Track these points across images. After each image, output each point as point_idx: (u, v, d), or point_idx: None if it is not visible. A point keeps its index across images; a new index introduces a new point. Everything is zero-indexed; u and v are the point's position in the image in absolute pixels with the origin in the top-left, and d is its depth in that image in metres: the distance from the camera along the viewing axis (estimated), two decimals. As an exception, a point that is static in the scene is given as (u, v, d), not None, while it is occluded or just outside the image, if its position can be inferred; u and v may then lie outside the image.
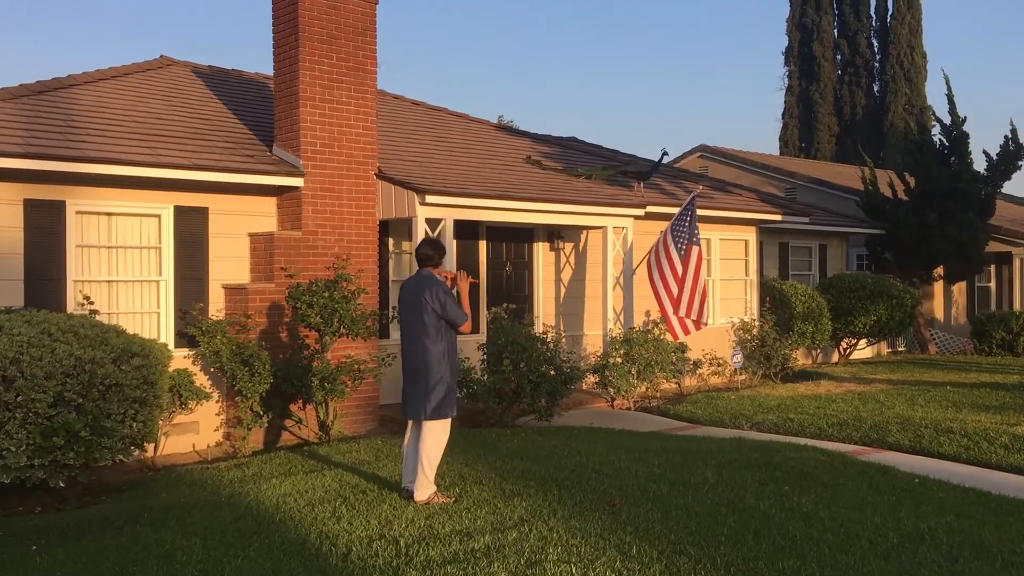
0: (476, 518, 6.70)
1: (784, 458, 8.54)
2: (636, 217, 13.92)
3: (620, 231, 13.85)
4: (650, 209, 14.13)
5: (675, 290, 13.14)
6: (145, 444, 8.56)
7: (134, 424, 7.84)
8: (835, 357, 20.05)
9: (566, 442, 9.62)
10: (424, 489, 7.20)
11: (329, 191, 11.39)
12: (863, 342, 20.14)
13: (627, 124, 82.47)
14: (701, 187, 15.15)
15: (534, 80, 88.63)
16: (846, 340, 19.79)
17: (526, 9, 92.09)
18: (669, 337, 14.21)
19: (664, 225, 13.95)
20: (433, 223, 11.65)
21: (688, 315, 13.27)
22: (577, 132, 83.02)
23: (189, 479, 8.45)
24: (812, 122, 44.69)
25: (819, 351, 19.84)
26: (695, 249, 13.12)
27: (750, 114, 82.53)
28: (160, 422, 9.89)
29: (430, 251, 7.31)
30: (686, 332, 13.58)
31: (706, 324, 13.65)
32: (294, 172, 11.10)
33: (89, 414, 7.41)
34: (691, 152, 27.54)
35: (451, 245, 11.87)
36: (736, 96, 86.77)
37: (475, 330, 13.14)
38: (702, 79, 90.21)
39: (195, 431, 10.78)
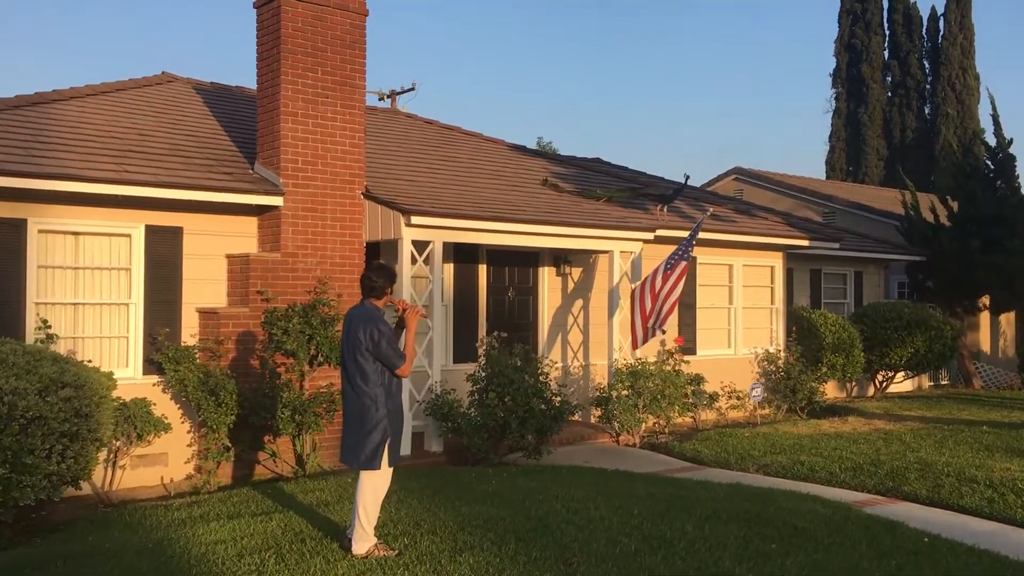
0: (412, 577, 5.99)
1: (779, 510, 7.69)
2: (646, 241, 13.15)
3: (628, 255, 13.08)
4: (661, 233, 13.35)
5: (648, 304, 12.26)
6: (80, 481, 7.96)
7: (63, 461, 7.24)
8: (871, 391, 18.96)
9: (547, 484, 8.86)
10: (362, 542, 6.50)
11: (311, 211, 10.81)
12: (901, 375, 19.00)
13: (667, 147, 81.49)
14: (712, 209, 14.32)
15: (575, 103, 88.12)
16: (882, 373, 18.69)
17: (566, 30, 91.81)
18: (684, 369, 13.39)
19: (676, 250, 13.13)
20: (421, 245, 11.00)
21: (656, 324, 12.32)
22: (616, 155, 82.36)
23: (126, 520, 7.83)
24: (860, 145, 43.44)
25: (854, 384, 18.77)
26: (682, 264, 12.20)
27: (794, 137, 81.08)
28: (116, 455, 9.39)
29: (375, 279, 6.61)
30: (646, 339, 12.59)
31: (664, 332, 12.61)
32: (273, 191, 10.53)
33: (8, 449, 6.84)
34: (726, 175, 26.63)
35: (440, 269, 11.21)
36: (780, 119, 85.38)
37: (472, 359, 12.44)
38: (745, 101, 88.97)
39: (164, 463, 10.20)
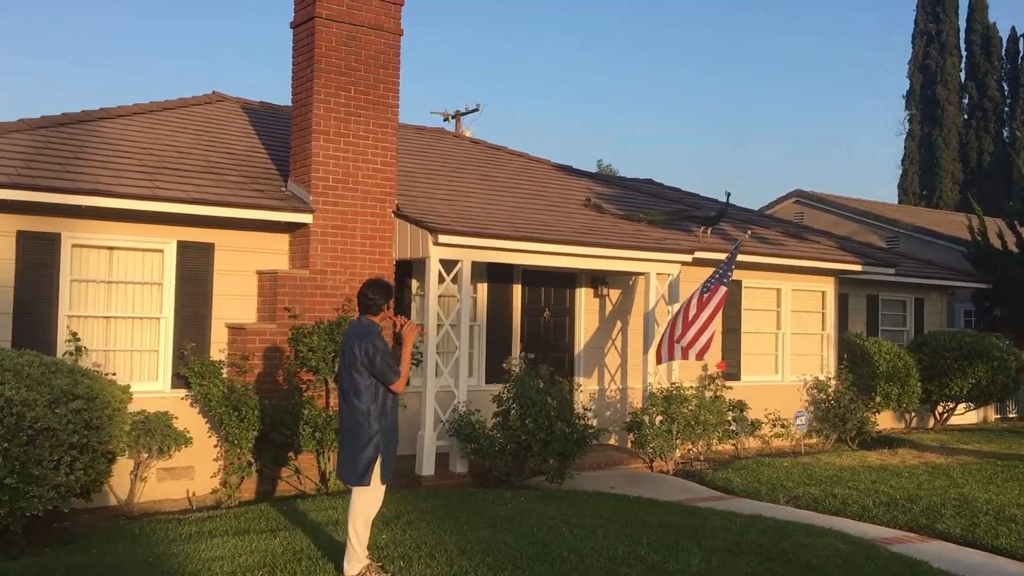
0: (398, 602, 5.88)
1: (794, 545, 7.38)
2: (684, 263, 12.89)
3: (665, 278, 12.83)
4: (701, 255, 13.06)
5: (679, 328, 11.87)
6: (93, 494, 8.04)
7: (71, 472, 7.32)
8: (931, 422, 18.26)
9: (562, 510, 8.68)
10: (354, 562, 6.42)
11: (341, 228, 10.84)
12: (962, 407, 18.26)
13: (731, 171, 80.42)
14: (749, 232, 13.97)
15: (639, 126, 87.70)
16: (942, 404, 17.98)
17: (633, 54, 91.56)
18: (727, 395, 13.07)
19: (716, 273, 12.81)
20: (449, 264, 10.94)
21: (687, 347, 11.83)
22: (679, 179, 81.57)
23: (136, 533, 7.88)
24: (934, 169, 42.26)
25: (913, 415, 18.10)
26: (721, 290, 11.80)
27: (865, 161, 79.37)
28: (139, 468, 9.48)
29: (371, 295, 6.56)
30: (670, 357, 12.15)
31: (703, 360, 12.11)
32: (302, 208, 10.60)
33: (15, 460, 6.93)
34: (786, 198, 26.10)
35: (468, 288, 11.12)
36: (850, 142, 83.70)
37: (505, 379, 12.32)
38: (814, 123, 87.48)
39: (190, 476, 10.28)
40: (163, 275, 10.34)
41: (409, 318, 11.93)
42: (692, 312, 11.73)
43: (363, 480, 6.32)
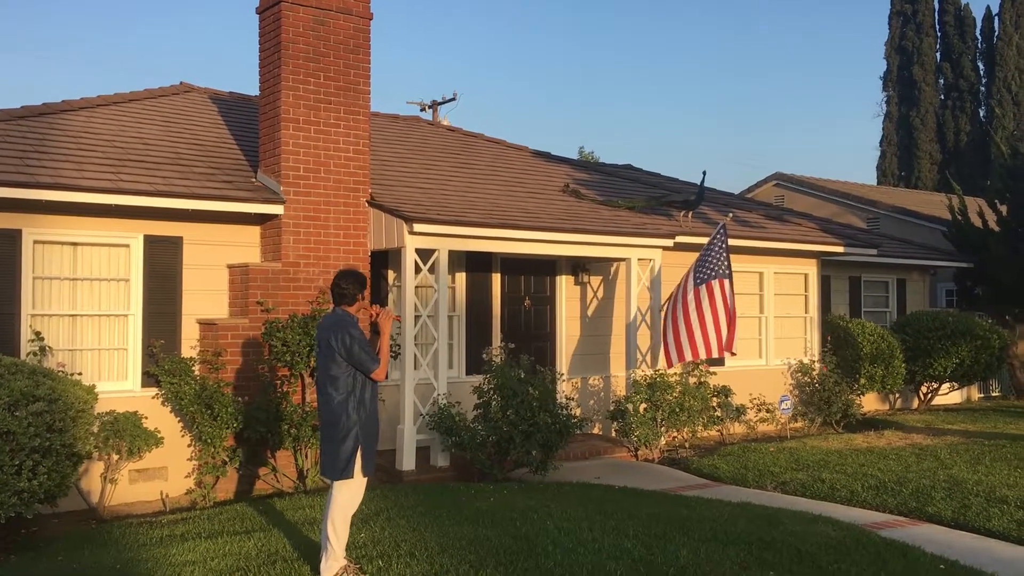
0: (376, 604, 5.64)
1: (784, 533, 7.19)
2: (666, 248, 12.67)
3: (647, 263, 12.61)
4: (682, 239, 12.85)
5: (681, 322, 11.67)
6: (57, 498, 7.75)
7: (34, 477, 7.03)
8: (915, 403, 18.18)
9: (546, 503, 8.45)
10: (332, 562, 6.17)
11: (313, 219, 10.56)
12: (946, 387, 18.18)
13: (711, 156, 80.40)
14: (731, 216, 13.77)
15: (618, 114, 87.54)
16: (926, 385, 17.89)
17: (612, 41, 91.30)
18: (711, 380, 12.89)
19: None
20: (425, 254, 10.68)
21: (730, 345, 11.78)
22: (660, 164, 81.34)
23: (105, 537, 7.59)
24: (912, 149, 42.33)
25: (897, 396, 18.01)
26: (725, 282, 11.63)
27: (844, 143, 79.50)
28: (109, 470, 9.18)
29: (344, 286, 6.31)
30: (681, 359, 12.00)
31: (734, 354, 12.01)
32: (273, 199, 10.30)
33: (-27, 466, 6.64)
34: (766, 181, 25.94)
35: (445, 278, 10.87)
36: (828, 124, 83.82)
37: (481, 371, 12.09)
38: (791, 106, 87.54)
39: (163, 477, 10.00)
40: (130, 271, 10.03)
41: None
42: (691, 305, 11.50)
43: (345, 473, 6.09)
